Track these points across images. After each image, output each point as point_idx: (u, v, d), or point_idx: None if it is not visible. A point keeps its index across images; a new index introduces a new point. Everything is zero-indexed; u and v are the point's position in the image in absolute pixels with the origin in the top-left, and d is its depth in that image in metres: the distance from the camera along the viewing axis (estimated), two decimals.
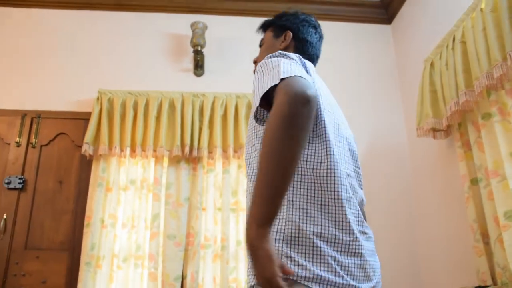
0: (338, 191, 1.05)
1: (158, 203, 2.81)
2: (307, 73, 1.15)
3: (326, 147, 1.08)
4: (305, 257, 0.98)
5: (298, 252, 0.99)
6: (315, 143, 1.09)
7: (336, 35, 3.31)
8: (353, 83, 3.27)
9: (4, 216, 2.80)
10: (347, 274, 1.00)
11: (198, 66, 3.15)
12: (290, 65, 1.05)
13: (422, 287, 2.84)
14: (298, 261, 0.97)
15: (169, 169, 2.89)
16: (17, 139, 2.94)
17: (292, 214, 1.03)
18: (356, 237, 1.04)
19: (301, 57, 1.21)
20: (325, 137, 1.09)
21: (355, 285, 1.00)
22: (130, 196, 2.86)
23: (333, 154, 1.07)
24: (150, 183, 2.88)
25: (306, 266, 0.97)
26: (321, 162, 1.07)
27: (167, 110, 2.94)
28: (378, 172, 3.06)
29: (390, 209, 3.00)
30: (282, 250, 0.99)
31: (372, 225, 2.90)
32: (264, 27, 1.50)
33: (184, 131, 2.89)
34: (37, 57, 3.19)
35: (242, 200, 2.90)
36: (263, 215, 0.91)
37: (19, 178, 2.86)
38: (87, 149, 2.81)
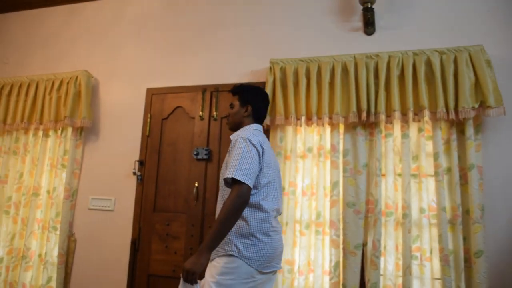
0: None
1: (336, 170, 2.78)
2: (261, 147, 2.00)
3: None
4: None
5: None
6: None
7: None
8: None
9: (196, 185, 3.07)
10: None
11: (369, 24, 2.95)
12: (246, 162, 1.89)
13: None
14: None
15: (345, 136, 2.82)
16: (200, 113, 3.16)
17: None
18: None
19: (260, 140, 2.02)
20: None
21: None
22: (308, 163, 2.88)
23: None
24: (327, 150, 2.86)
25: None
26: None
27: (340, 75, 2.84)
28: None
29: None
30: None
31: None
32: (234, 93, 2.28)
33: (360, 95, 2.77)
34: (210, 33, 3.36)
35: (424, 165, 2.70)
36: (212, 249, 1.81)
37: (205, 150, 3.09)
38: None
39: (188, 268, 1.75)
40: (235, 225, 1.88)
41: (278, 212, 2.09)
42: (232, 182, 1.87)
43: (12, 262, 3.32)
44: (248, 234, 1.89)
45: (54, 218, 3.31)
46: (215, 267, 1.88)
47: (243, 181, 1.84)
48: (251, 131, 2.06)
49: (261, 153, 1.98)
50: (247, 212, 1.92)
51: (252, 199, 1.93)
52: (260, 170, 1.97)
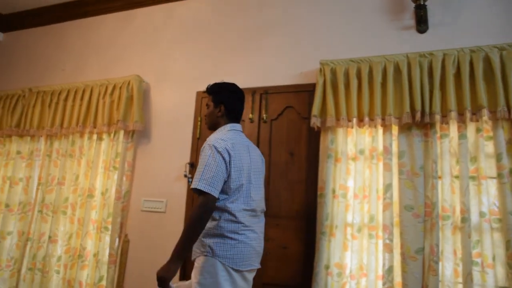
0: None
1: (389, 172, 2.70)
2: (228, 153, 2.06)
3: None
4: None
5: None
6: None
7: None
8: None
9: None
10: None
11: (421, 22, 2.86)
12: (210, 170, 1.98)
13: None
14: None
15: (399, 137, 2.74)
16: (250, 115, 3.17)
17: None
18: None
19: (227, 146, 2.07)
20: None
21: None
22: (360, 166, 2.82)
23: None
24: (379, 152, 2.79)
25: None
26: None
27: (392, 75, 2.77)
28: None
29: None
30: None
31: None
32: (208, 93, 2.32)
33: (413, 96, 2.69)
34: (259, 35, 3.37)
35: (483, 167, 2.58)
36: (181, 256, 1.97)
37: None
38: (315, 121, 2.85)
39: (160, 275, 1.93)
40: (209, 227, 2.03)
41: (255, 212, 2.15)
42: (198, 192, 1.98)
43: (69, 260, 3.45)
44: (220, 234, 2.02)
45: (106, 219, 3.41)
46: (196, 268, 2.04)
47: (207, 191, 1.94)
48: (223, 134, 2.15)
49: (227, 159, 2.04)
50: (218, 214, 2.04)
51: (221, 203, 2.03)
52: (229, 175, 2.04)
